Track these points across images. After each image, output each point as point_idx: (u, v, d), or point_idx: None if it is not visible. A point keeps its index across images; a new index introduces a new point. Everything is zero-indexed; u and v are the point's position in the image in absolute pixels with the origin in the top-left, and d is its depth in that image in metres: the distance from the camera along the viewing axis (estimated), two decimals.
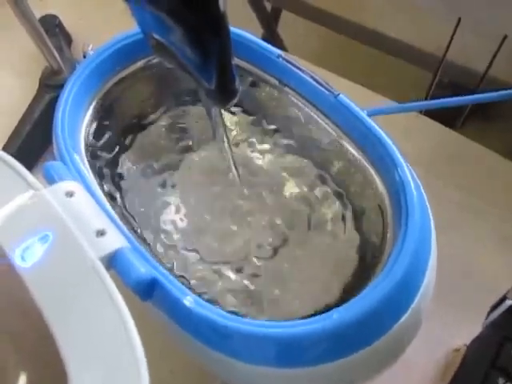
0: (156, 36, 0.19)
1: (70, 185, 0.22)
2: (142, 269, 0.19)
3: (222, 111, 0.24)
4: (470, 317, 0.33)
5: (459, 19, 0.39)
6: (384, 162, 0.23)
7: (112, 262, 0.20)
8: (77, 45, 0.54)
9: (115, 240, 0.20)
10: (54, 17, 0.52)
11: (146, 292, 0.20)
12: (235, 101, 0.20)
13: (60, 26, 0.52)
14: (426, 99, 0.47)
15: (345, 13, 0.52)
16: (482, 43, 0.42)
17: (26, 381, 0.18)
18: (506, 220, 0.39)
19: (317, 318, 0.19)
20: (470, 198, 0.39)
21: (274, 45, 0.27)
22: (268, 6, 0.60)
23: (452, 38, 0.41)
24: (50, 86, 0.44)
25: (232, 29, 0.22)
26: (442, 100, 0.26)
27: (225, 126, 0.24)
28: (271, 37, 0.78)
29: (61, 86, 0.43)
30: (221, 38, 0.18)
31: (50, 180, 0.23)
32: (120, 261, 0.20)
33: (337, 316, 0.19)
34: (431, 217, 0.23)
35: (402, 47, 0.49)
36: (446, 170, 0.41)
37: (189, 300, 0.20)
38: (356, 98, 0.37)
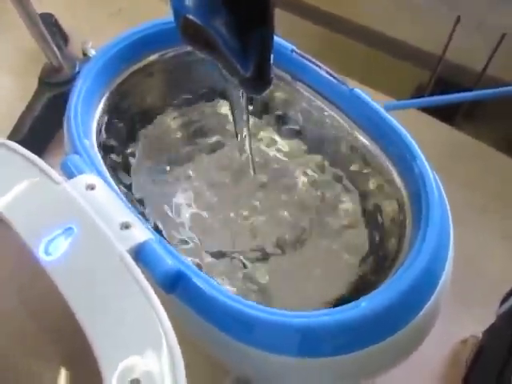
0: (195, 20, 0.19)
1: (90, 178, 0.22)
2: (169, 261, 0.19)
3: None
4: (475, 310, 0.34)
5: (458, 17, 0.40)
6: (401, 155, 0.23)
7: (138, 254, 0.20)
8: (73, 43, 0.54)
9: (140, 233, 0.20)
10: (50, 15, 0.51)
11: (171, 284, 0.20)
12: (268, 89, 0.20)
13: (56, 24, 0.52)
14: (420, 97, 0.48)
15: (340, 11, 0.52)
16: (479, 42, 0.43)
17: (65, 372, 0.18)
18: (508, 217, 0.39)
19: (344, 307, 0.19)
20: (472, 195, 0.40)
21: None
22: None
23: (451, 37, 0.42)
24: (50, 83, 0.43)
25: None
26: (457, 95, 0.27)
27: (249, 115, 0.24)
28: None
29: (61, 84, 0.44)
30: (266, 25, 0.18)
31: (69, 174, 0.22)
32: (147, 253, 0.19)
33: (365, 304, 0.19)
34: (449, 209, 0.23)
35: (400, 45, 0.50)
36: (447, 166, 0.41)
37: (215, 291, 0.20)
38: None
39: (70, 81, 0.43)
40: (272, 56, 0.19)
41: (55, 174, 0.21)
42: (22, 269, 0.20)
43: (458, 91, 0.33)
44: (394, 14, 0.49)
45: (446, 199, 0.23)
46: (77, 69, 0.44)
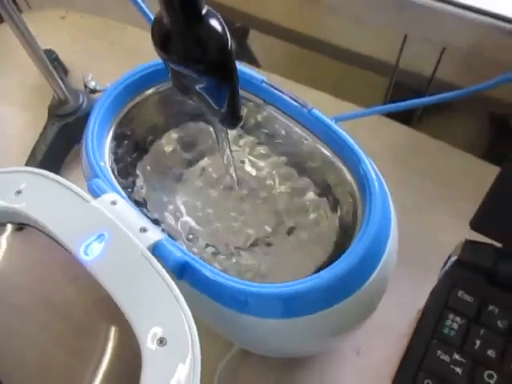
0: (181, 80, 0.26)
1: (111, 196, 0.28)
2: (178, 253, 0.26)
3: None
4: (433, 280, 0.40)
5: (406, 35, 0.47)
6: (351, 159, 0.30)
7: (154, 250, 0.26)
8: (73, 76, 0.60)
9: (155, 234, 0.26)
10: (51, 51, 0.57)
11: (181, 271, 0.26)
12: (241, 124, 0.27)
13: (57, 59, 0.58)
14: (384, 102, 0.55)
15: (310, 31, 0.59)
16: (428, 52, 0.50)
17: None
18: (461, 200, 0.46)
19: (309, 277, 0.26)
20: (429, 185, 0.47)
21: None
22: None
23: (401, 51, 0.49)
24: (59, 115, 0.49)
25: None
26: (391, 105, 0.33)
27: (229, 140, 0.31)
28: (242, 50, 0.86)
29: (68, 115, 0.50)
30: (233, 81, 0.25)
31: (94, 193, 0.29)
32: (161, 249, 0.26)
33: (324, 275, 0.25)
34: (390, 198, 0.30)
35: (364, 58, 0.56)
36: (408, 161, 0.49)
37: (215, 274, 0.26)
38: (323, 106, 0.45)
39: (76, 111, 0.49)
40: (239, 98, 0.26)
41: (85, 193, 0.28)
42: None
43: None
44: (356, 30, 0.56)
45: (387, 191, 0.30)
46: (80, 100, 0.50)
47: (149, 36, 0.51)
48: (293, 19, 0.58)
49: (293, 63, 0.66)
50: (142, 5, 0.45)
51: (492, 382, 0.28)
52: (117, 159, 0.35)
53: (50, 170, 0.49)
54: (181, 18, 0.22)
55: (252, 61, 0.73)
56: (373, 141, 0.51)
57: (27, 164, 0.49)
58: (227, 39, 0.23)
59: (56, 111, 0.50)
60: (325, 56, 0.60)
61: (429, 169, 0.48)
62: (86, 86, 0.52)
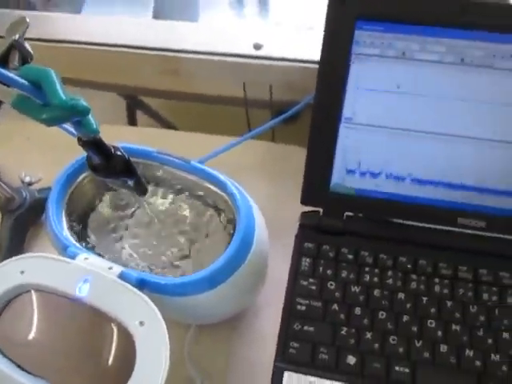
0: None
1: (83, 255, 0.45)
2: (135, 274, 0.43)
3: None
4: None
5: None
6: (221, 186, 0.49)
7: (120, 277, 0.43)
8: (4, 173, 0.73)
9: (118, 268, 0.43)
10: None
11: (141, 285, 0.43)
12: (147, 194, 0.45)
13: None
14: (249, 127, 0.75)
15: (182, 88, 0.77)
16: (264, 86, 0.70)
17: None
18: None
19: (210, 266, 0.44)
20: (287, 180, 0.66)
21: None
22: None
23: (245, 91, 0.68)
24: (10, 210, 0.63)
25: (137, 146, 0.47)
26: (234, 141, 0.53)
27: (143, 198, 0.49)
28: (137, 106, 1.04)
29: (18, 208, 0.64)
30: (135, 175, 0.44)
31: (71, 256, 0.45)
32: (124, 275, 0.43)
33: (217, 263, 0.44)
34: (252, 203, 0.49)
35: (223, 98, 0.75)
36: (272, 167, 0.68)
37: (161, 280, 0.44)
38: (199, 143, 0.63)
39: (24, 204, 0.63)
40: (141, 177, 0.45)
41: (66, 259, 0.44)
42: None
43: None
44: (216, 82, 0.74)
45: (249, 201, 0.48)
46: (24, 195, 0.64)
47: (61, 132, 0.66)
48: (167, 84, 0.76)
49: (179, 114, 0.84)
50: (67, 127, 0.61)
51: (332, 287, 0.49)
52: (73, 228, 0.51)
53: (16, 253, 0.64)
54: (102, 161, 0.41)
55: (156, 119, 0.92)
56: (246, 156, 0.70)
57: None
58: (126, 157, 0.43)
59: (7, 208, 0.64)
60: (199, 103, 0.79)
61: (287, 169, 0.68)
62: (23, 182, 0.66)
